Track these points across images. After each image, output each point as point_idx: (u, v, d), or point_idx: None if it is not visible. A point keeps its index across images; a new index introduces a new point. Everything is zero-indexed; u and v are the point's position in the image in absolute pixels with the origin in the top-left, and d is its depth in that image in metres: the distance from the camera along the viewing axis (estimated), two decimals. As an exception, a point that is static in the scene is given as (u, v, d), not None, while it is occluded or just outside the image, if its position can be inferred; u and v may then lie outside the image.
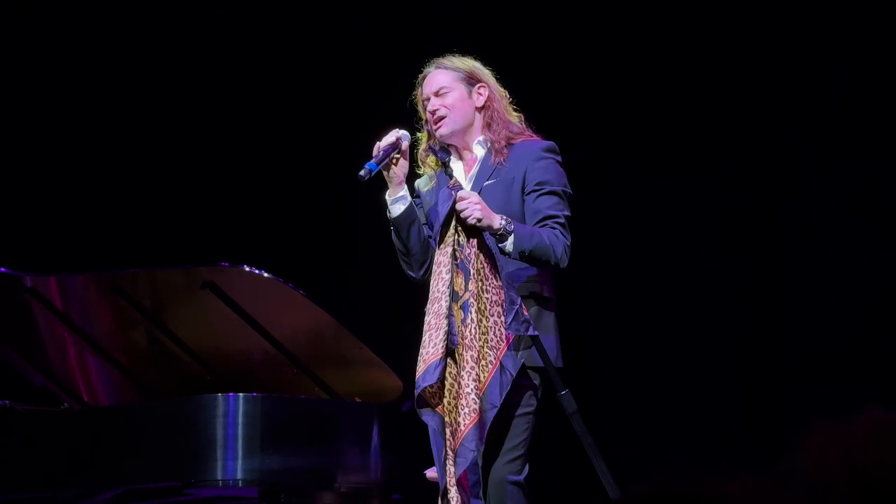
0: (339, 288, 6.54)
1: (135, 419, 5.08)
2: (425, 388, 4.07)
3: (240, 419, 4.92)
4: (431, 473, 4.94)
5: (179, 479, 4.94)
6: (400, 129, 4.34)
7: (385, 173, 4.28)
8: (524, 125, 4.43)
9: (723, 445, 6.21)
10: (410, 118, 4.49)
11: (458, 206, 4.10)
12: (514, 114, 4.43)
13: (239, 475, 4.89)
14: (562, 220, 4.24)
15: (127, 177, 7.08)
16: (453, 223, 4.11)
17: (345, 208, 6.88)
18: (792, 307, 6.26)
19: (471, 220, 4.08)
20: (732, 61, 6.37)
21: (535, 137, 4.39)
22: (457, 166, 4.40)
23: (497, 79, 4.47)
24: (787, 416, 6.18)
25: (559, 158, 4.35)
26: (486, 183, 4.31)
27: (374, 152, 4.26)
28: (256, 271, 5.15)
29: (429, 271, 4.31)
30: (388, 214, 4.35)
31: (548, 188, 4.27)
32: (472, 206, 4.09)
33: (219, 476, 4.89)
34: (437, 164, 4.42)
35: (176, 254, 6.47)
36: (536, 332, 4.11)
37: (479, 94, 4.37)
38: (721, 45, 6.37)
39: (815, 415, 5.98)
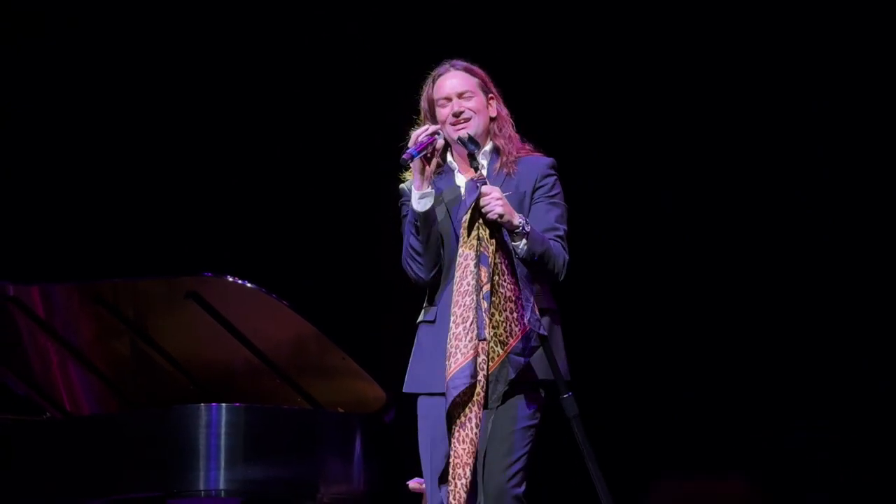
0: (323, 298, 6.52)
1: (117, 429, 5.07)
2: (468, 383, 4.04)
3: (222, 429, 4.92)
4: (414, 484, 4.94)
5: (162, 490, 4.93)
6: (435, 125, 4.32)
7: (418, 166, 4.26)
8: (522, 142, 4.45)
9: (722, 448, 6.22)
10: (403, 124, 4.45)
11: (481, 201, 4.12)
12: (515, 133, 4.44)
13: (221, 485, 4.89)
14: (563, 235, 4.27)
15: (110, 185, 7.05)
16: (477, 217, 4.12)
17: (329, 217, 6.88)
18: (792, 308, 6.26)
19: (492, 216, 4.10)
20: (732, 61, 6.35)
21: (537, 154, 4.41)
22: (458, 177, 4.40)
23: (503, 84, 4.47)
24: (789, 421, 6.19)
25: (557, 175, 4.39)
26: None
27: (412, 142, 4.24)
28: (240, 281, 5.15)
29: (438, 274, 4.31)
30: (413, 209, 4.31)
31: (555, 201, 4.30)
32: (495, 202, 4.10)
33: (201, 486, 4.89)
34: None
35: (160, 263, 6.46)
36: (546, 333, 4.13)
37: (491, 104, 4.40)
38: (721, 45, 6.37)
39: (819, 415, 5.90)
